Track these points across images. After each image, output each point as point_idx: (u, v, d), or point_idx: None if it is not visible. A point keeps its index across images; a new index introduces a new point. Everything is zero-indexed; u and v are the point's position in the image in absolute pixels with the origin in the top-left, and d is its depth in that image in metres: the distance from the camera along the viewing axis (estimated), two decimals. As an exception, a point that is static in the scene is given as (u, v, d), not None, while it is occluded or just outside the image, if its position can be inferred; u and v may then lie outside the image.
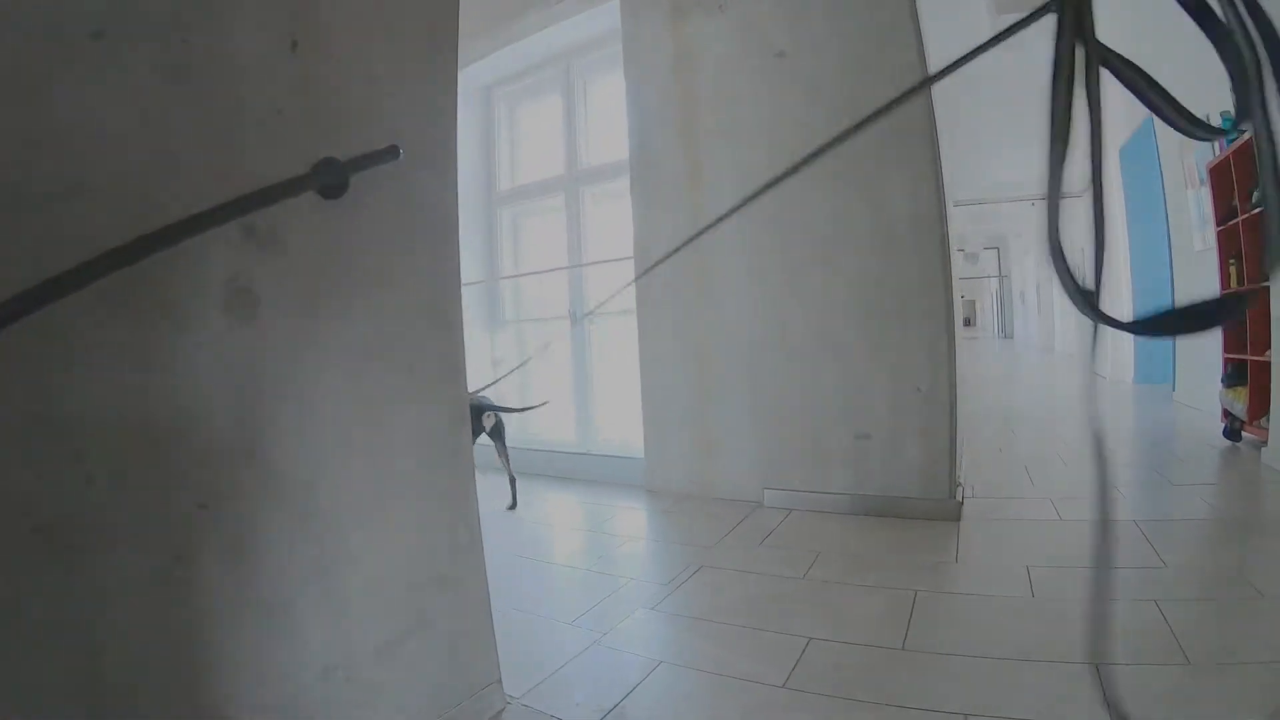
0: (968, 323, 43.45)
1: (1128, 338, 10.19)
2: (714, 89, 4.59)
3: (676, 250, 4.33)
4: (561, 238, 6.19)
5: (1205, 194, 6.80)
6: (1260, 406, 5.16)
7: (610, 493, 5.11)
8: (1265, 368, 5.02)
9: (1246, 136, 4.94)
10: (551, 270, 6.61)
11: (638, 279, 4.88)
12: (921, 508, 3.95)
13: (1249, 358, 5.29)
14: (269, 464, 1.61)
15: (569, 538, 4.32)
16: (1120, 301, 10.45)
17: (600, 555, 3.85)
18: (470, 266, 6.57)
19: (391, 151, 1.69)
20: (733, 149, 4.51)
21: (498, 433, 5.02)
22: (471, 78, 6.49)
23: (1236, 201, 5.46)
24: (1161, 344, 9.05)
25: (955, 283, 4.18)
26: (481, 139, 6.73)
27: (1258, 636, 2.38)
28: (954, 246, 12.21)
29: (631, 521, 4.50)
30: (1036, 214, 16.89)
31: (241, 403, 1.56)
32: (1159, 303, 8.78)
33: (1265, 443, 4.84)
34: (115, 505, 1.36)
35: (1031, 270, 23.27)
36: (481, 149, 6.71)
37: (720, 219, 3.08)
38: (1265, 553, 3.18)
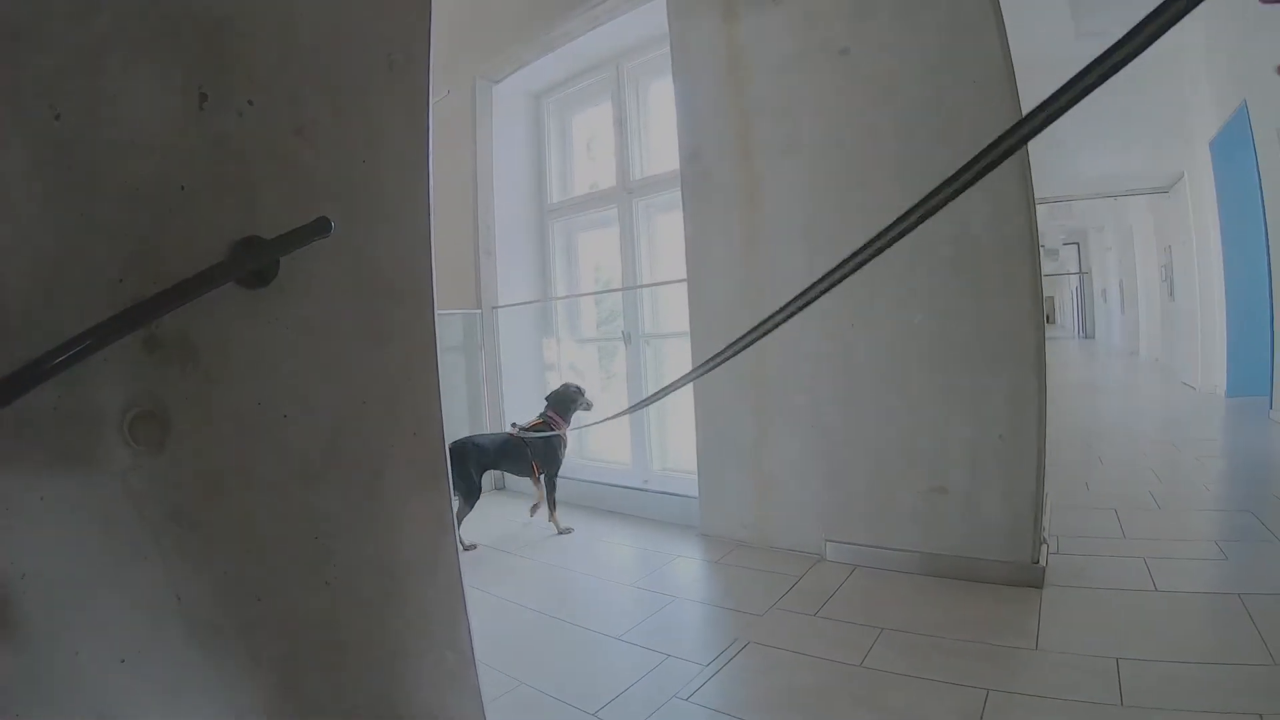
0: (1047, 320, 42.38)
1: (1219, 344, 9.68)
2: (771, 94, 4.18)
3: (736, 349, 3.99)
4: (615, 253, 5.88)
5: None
6: None
7: (662, 535, 4.77)
8: None
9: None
10: (600, 293, 6.34)
11: (696, 375, 4.55)
12: (1000, 572, 3.54)
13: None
14: (197, 611, 1.33)
15: (608, 593, 3.96)
16: (1213, 310, 9.89)
17: (640, 620, 3.49)
18: (522, 284, 6.30)
19: (320, 226, 1.34)
20: (794, 161, 4.10)
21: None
22: (518, 86, 6.25)
23: None
24: (1258, 353, 8.39)
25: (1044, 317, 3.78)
26: (531, 149, 6.47)
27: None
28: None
29: (680, 574, 4.14)
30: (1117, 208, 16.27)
31: (159, 543, 1.28)
32: (1258, 313, 8.26)
33: None
34: None
35: (1114, 267, 22.29)
36: (531, 160, 6.44)
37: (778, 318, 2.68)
38: None
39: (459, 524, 4.51)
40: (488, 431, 5.41)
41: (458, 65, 6.21)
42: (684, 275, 4.71)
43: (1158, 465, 6.02)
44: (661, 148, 5.60)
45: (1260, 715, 2.28)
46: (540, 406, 5.28)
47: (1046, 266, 30.52)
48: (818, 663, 2.90)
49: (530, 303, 6.41)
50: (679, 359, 5.02)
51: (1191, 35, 9.14)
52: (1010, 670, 2.75)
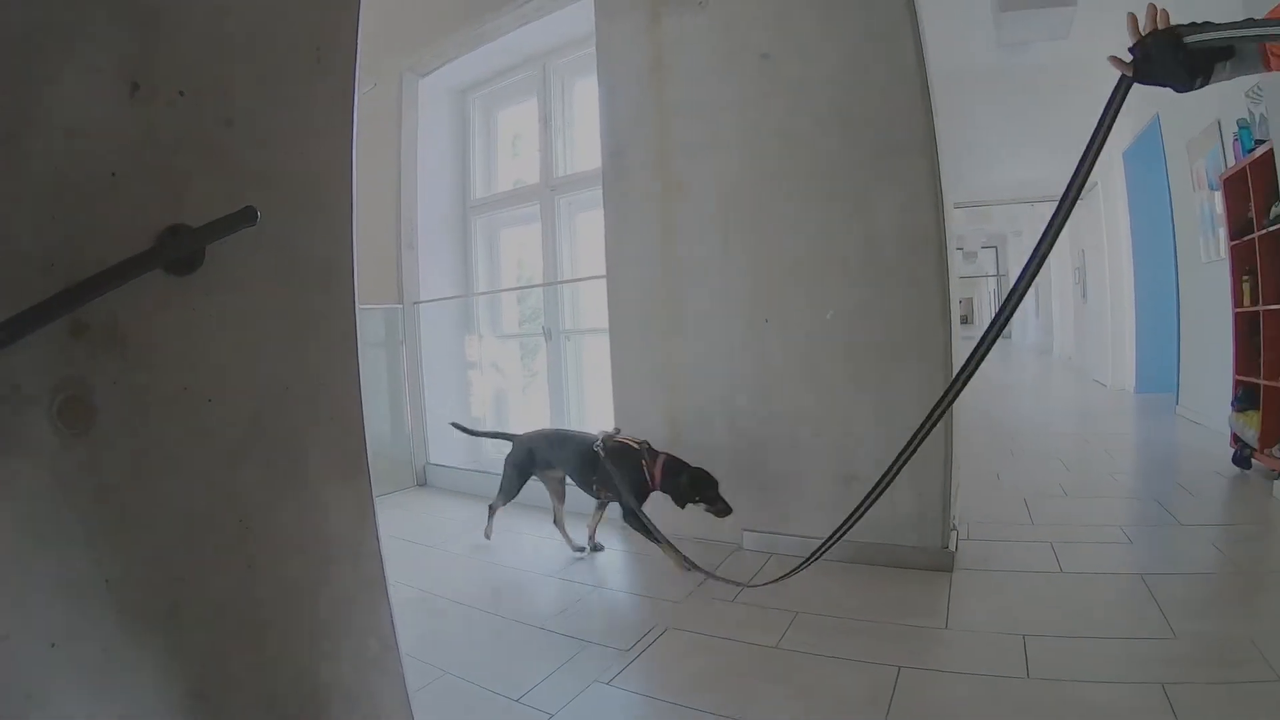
0: (965, 320, 43.41)
1: (1129, 343, 10.09)
2: (693, 94, 4.30)
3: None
4: (537, 250, 5.94)
5: (1217, 201, 6.57)
6: (1273, 434, 4.96)
7: (583, 527, 4.74)
8: (1276, 394, 4.81)
9: (1267, 147, 4.71)
10: (521, 288, 6.36)
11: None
12: (912, 557, 3.70)
13: (1262, 382, 5.07)
14: (125, 593, 1.34)
15: (531, 584, 4.02)
16: (1123, 311, 10.27)
17: (562, 609, 3.57)
18: (444, 279, 6.29)
19: (246, 215, 1.38)
20: (713, 160, 4.23)
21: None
22: (444, 80, 6.26)
23: (1253, 215, 5.18)
24: (1165, 352, 8.78)
25: (954, 311, 3.91)
26: (456, 144, 6.48)
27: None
28: (952, 246, 12.05)
29: (602, 565, 4.25)
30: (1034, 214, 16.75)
31: (87, 526, 1.30)
32: (1165, 314, 8.64)
33: (1278, 475, 4.62)
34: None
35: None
36: (455, 155, 6.46)
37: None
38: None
39: (491, 513, 4.66)
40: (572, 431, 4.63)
41: (385, 58, 6.19)
42: (604, 272, 4.78)
43: (1067, 457, 6.31)
44: (585, 146, 5.68)
45: (1162, 684, 2.43)
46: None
47: (965, 269, 31.42)
48: (735, 645, 3.01)
49: (452, 298, 6.41)
50: (599, 355, 5.08)
51: (1110, 51, 9.47)
52: (921, 648, 2.89)
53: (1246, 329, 5.54)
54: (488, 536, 4.65)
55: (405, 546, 4.66)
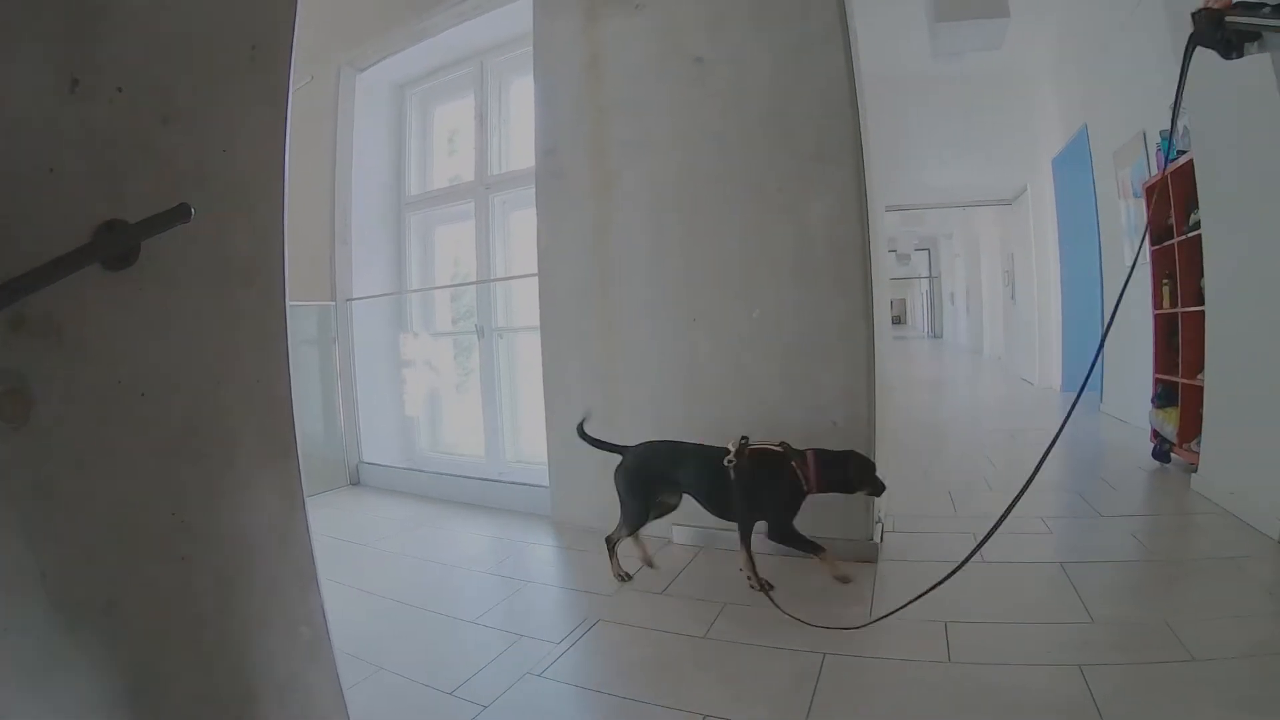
0: (897, 321, 44.21)
1: (1055, 343, 10.42)
2: (627, 96, 4.38)
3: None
4: (470, 247, 5.95)
5: (1140, 208, 6.78)
6: (1191, 429, 5.18)
7: (516, 524, 4.88)
8: (1197, 391, 5.02)
9: (1187, 158, 4.88)
10: (453, 286, 6.37)
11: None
12: (838, 549, 3.78)
13: (1180, 380, 5.29)
14: (61, 587, 1.36)
15: (463, 580, 4.03)
16: (1050, 314, 10.54)
17: (495, 604, 3.60)
18: (377, 276, 6.28)
19: (181, 212, 1.40)
20: (645, 161, 4.31)
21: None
22: (382, 75, 6.22)
23: (1173, 222, 5.43)
24: (1090, 351, 8.92)
25: (885, 312, 4.03)
26: (392, 140, 6.44)
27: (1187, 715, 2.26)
28: (885, 247, 12.17)
29: (533, 561, 4.29)
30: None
31: (24, 518, 1.31)
32: (1089, 316, 8.96)
33: (1195, 468, 4.82)
34: None
35: (962, 272, 23.60)
36: (391, 151, 6.42)
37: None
38: (1195, 603, 3.09)
39: (610, 548, 3.80)
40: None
41: (323, 51, 6.16)
42: (536, 270, 4.83)
43: (993, 452, 6.50)
44: (521, 144, 5.70)
45: (1080, 665, 2.55)
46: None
47: (898, 270, 32.01)
48: (664, 636, 3.09)
49: (385, 295, 6.38)
50: (533, 353, 5.07)
51: (1042, 62, 9.89)
52: (846, 636, 2.96)
53: (1166, 330, 5.77)
54: (621, 578, 3.76)
55: (339, 545, 4.65)
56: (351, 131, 6.18)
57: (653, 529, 4.20)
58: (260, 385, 1.80)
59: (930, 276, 33.58)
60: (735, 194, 4.02)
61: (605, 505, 4.40)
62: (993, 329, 17.56)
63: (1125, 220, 7.53)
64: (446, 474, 5.74)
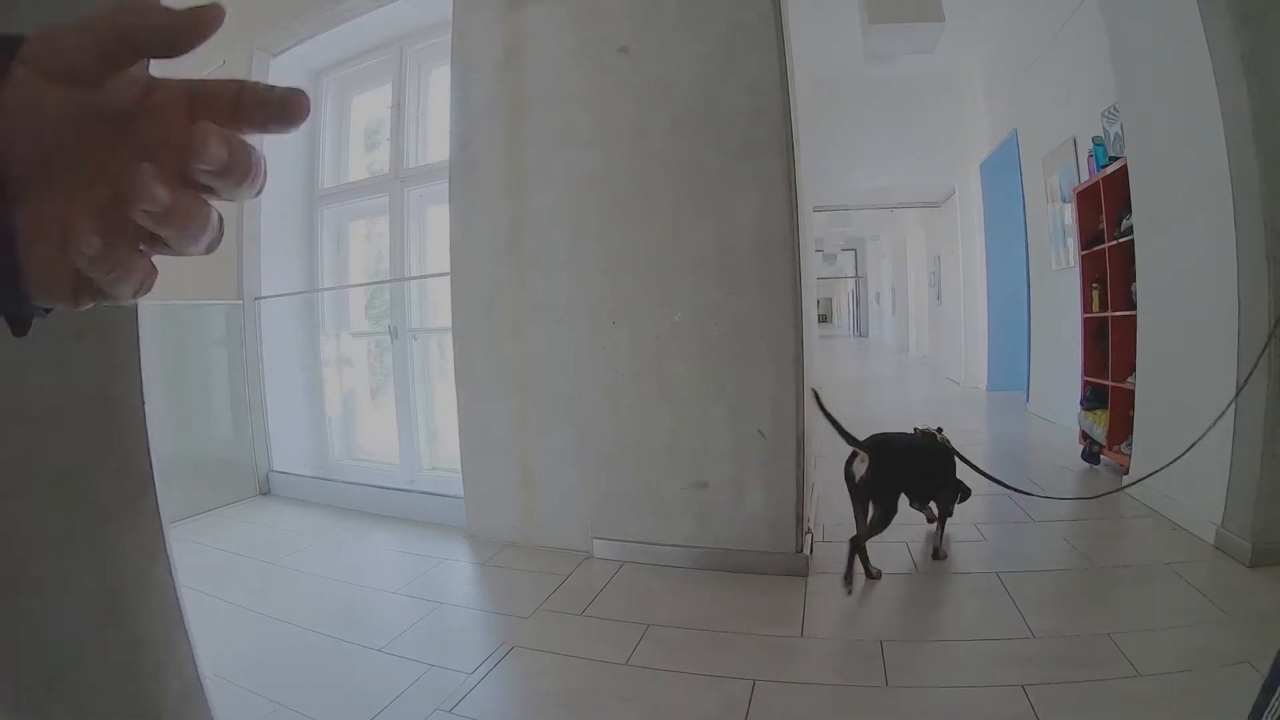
0: (823, 319, 44.63)
1: (981, 344, 10.44)
2: (547, 86, 4.08)
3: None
4: (384, 243, 5.64)
5: (1068, 214, 6.68)
6: (1120, 432, 5.15)
7: (430, 538, 4.55)
8: (1126, 394, 5.00)
9: (1120, 164, 4.74)
10: (364, 285, 6.04)
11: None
12: (767, 562, 3.61)
13: (1110, 383, 5.23)
14: None
15: (370, 603, 3.69)
16: (976, 314, 10.51)
17: (403, 629, 3.29)
18: (289, 274, 5.92)
19: None
20: (564, 156, 4.02)
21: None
22: (298, 61, 5.82)
23: (1104, 227, 5.36)
24: (1015, 352, 9.17)
25: (812, 312, 3.82)
26: (306, 130, 5.98)
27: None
28: (814, 248, 12.07)
29: (446, 579, 3.98)
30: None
31: None
32: (1016, 318, 8.93)
33: (1126, 471, 4.77)
34: None
35: (888, 272, 23.81)
36: (305, 141, 6.02)
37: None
38: (1136, 613, 2.96)
39: (856, 549, 3.38)
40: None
41: (235, 33, 5.73)
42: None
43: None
44: (439, 136, 5.35)
45: (1023, 686, 2.40)
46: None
47: (825, 270, 32.29)
48: (583, 664, 2.85)
49: (295, 294, 5.98)
50: (448, 355, 4.77)
51: (973, 67, 9.91)
52: (776, 659, 2.79)
53: (1095, 333, 5.69)
54: (875, 574, 3.46)
55: (241, 563, 4.29)
56: None
57: (570, 542, 3.95)
58: (110, 410, 1.56)
59: (856, 276, 33.76)
60: (659, 191, 3.79)
61: (521, 517, 4.13)
62: (918, 329, 17.66)
63: (1053, 224, 7.52)
64: (358, 484, 5.38)
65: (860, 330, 34.26)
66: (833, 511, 4.50)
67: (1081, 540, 3.92)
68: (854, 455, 3.48)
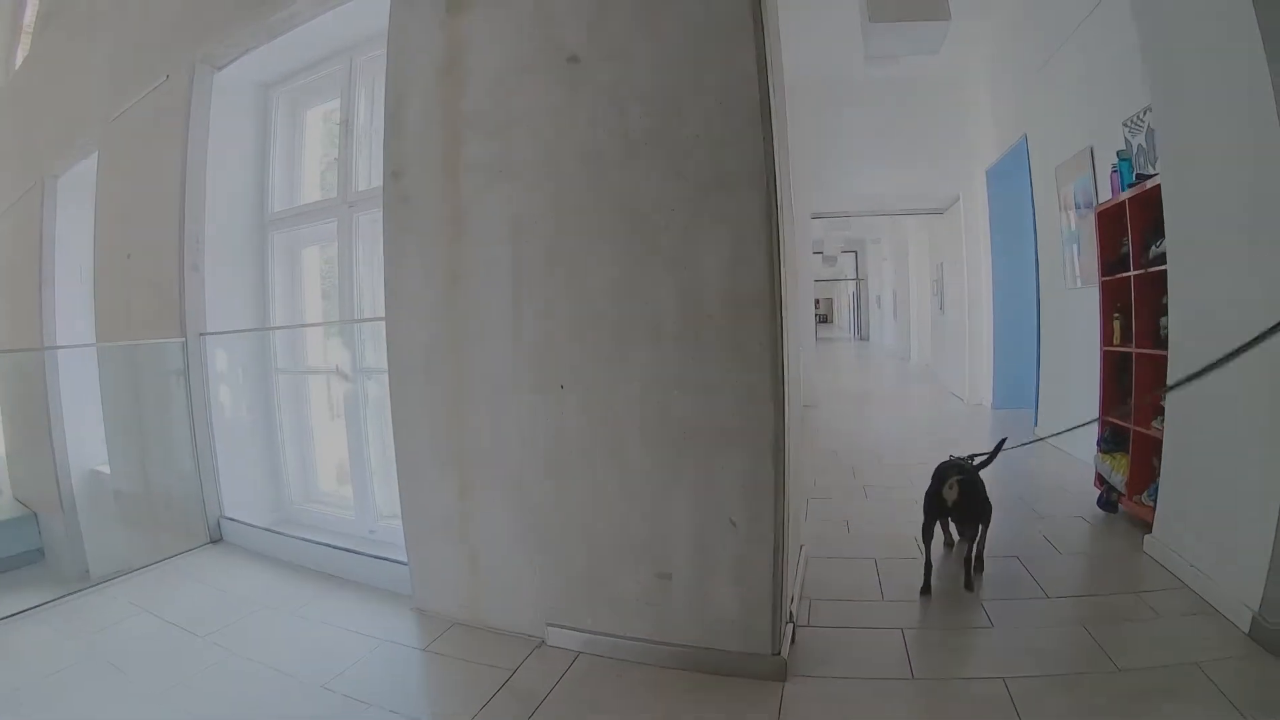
0: (824, 320, 43.83)
1: (986, 359, 9.75)
2: (487, 104, 3.33)
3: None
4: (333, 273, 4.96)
5: (1084, 227, 6.04)
6: (1141, 480, 4.45)
7: (375, 609, 3.85)
8: (1150, 441, 4.29)
9: (1152, 184, 4.10)
10: (309, 326, 5.39)
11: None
12: (737, 663, 2.92)
13: (1132, 427, 4.51)
14: None
15: (289, 700, 2.99)
16: (981, 327, 9.89)
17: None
18: (235, 307, 5.27)
19: None
20: (504, 188, 3.28)
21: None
22: (245, 74, 5.14)
23: (1129, 250, 4.59)
24: (1022, 369, 8.45)
25: (794, 383, 3.15)
26: (255, 148, 5.34)
27: None
28: (811, 249, 11.56)
29: (382, 667, 3.24)
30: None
31: None
32: (1024, 334, 8.21)
33: (1148, 528, 4.08)
34: None
35: (889, 276, 22.93)
36: (254, 161, 5.33)
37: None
38: None
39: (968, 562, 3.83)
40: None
41: (176, 45, 5.08)
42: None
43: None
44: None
45: None
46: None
47: (825, 272, 31.42)
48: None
49: (240, 331, 5.26)
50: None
51: (980, 68, 9.19)
52: None
53: (1115, 367, 4.99)
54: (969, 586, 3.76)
55: (162, 634, 3.65)
56: (207, 139, 5.07)
57: (522, 626, 3.34)
58: None
59: (857, 279, 32.75)
60: (609, 233, 3.06)
61: (469, 596, 3.50)
62: (920, 336, 16.81)
63: (1067, 240, 6.76)
64: (307, 540, 4.65)
65: (861, 334, 33.28)
66: (820, 571, 3.94)
67: (1101, 627, 3.21)
68: (943, 482, 3.81)
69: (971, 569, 3.78)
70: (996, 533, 4.47)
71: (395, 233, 3.59)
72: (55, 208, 6.95)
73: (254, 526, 4.96)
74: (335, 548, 4.44)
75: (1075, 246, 6.48)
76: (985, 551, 3.98)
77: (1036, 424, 7.63)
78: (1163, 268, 3.99)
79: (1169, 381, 3.87)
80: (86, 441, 6.29)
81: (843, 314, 41.24)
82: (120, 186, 5.65)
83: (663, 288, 2.96)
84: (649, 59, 2.98)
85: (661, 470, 3.04)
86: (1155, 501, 4.15)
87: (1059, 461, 6.27)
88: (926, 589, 3.71)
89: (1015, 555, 4.11)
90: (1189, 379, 2.84)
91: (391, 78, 3.61)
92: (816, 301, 37.54)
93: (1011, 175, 8.47)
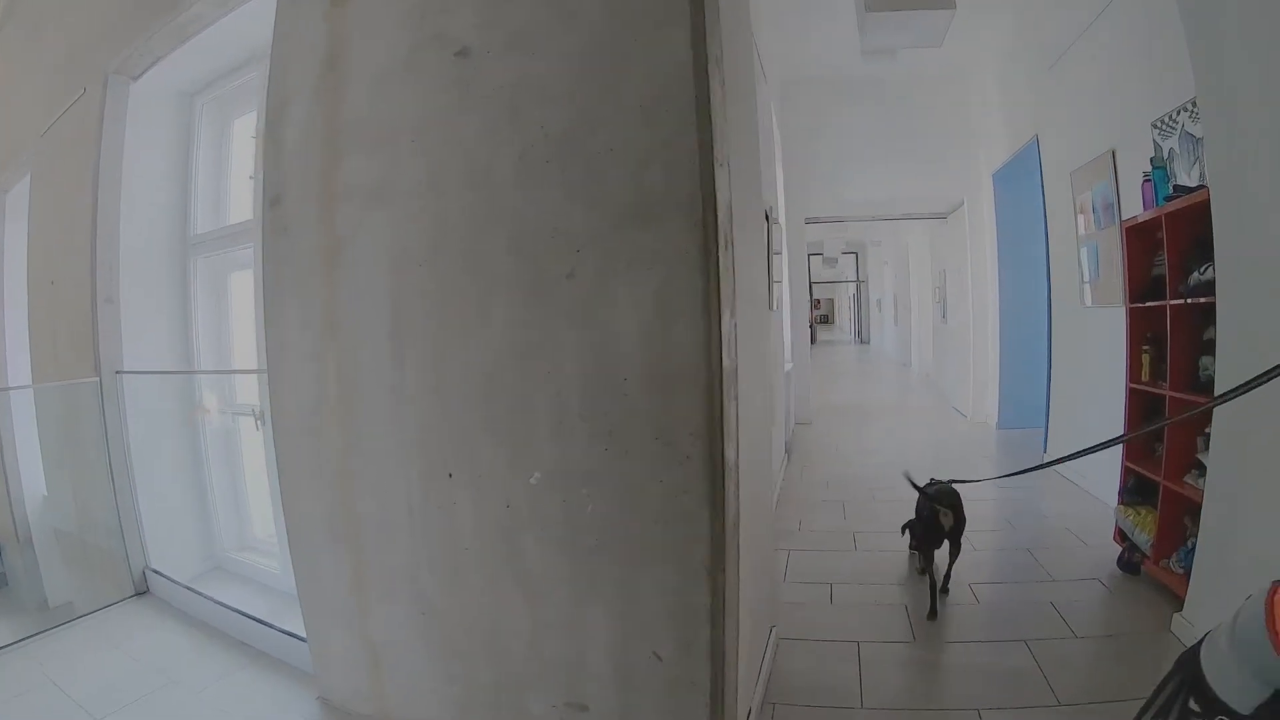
0: (825, 320, 42.90)
1: (991, 373, 8.85)
2: (369, 113, 2.51)
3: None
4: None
5: (1104, 240, 5.25)
6: (1171, 541, 3.60)
7: (281, 693, 3.13)
8: (1180, 498, 3.47)
9: (1195, 198, 3.32)
10: (223, 372, 4.66)
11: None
12: None
13: (1162, 481, 3.63)
14: None
15: None
16: (986, 340, 9.08)
17: None
18: (157, 339, 4.56)
19: None
20: (382, 218, 2.47)
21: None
22: (161, 82, 4.38)
23: (1165, 274, 3.70)
24: (1033, 391, 7.46)
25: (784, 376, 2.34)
26: (178, 165, 4.57)
27: None
28: (808, 251, 10.81)
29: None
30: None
31: None
32: (1034, 351, 7.32)
33: (1178, 603, 3.31)
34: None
35: (890, 280, 21.81)
36: (179, 178, 4.56)
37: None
38: None
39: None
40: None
41: (87, 59, 4.36)
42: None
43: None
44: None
45: None
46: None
47: (826, 273, 30.49)
48: None
49: (161, 373, 4.50)
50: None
51: (987, 64, 8.26)
52: None
53: (1143, 409, 4.14)
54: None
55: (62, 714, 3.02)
56: (121, 155, 4.32)
57: None
58: None
59: (858, 281, 31.63)
60: (505, 275, 2.23)
61: (372, 690, 2.74)
62: (921, 344, 15.72)
63: (1084, 253, 5.84)
64: (219, 604, 3.91)
65: (862, 336, 31.91)
66: (794, 658, 3.16)
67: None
68: (937, 512, 3.81)
69: (938, 594, 3.75)
70: (1002, 600, 3.80)
71: (273, 270, 2.77)
72: (4, 223, 6.21)
73: (175, 582, 4.24)
74: (248, 616, 3.70)
75: (1095, 263, 5.62)
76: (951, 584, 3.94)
77: (1046, 450, 6.73)
78: (1208, 299, 3.16)
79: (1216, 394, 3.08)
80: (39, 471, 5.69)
81: (844, 314, 40.18)
82: (46, 207, 4.94)
83: (567, 355, 2.13)
84: (557, 50, 2.16)
85: (572, 582, 2.23)
86: (1185, 569, 3.36)
87: (1074, 501, 5.39)
88: (934, 613, 3.65)
89: (1023, 639, 3.33)
90: (1243, 388, 2.02)
91: (273, 83, 2.79)
92: (818, 301, 37.15)
93: (1021, 179, 7.51)
